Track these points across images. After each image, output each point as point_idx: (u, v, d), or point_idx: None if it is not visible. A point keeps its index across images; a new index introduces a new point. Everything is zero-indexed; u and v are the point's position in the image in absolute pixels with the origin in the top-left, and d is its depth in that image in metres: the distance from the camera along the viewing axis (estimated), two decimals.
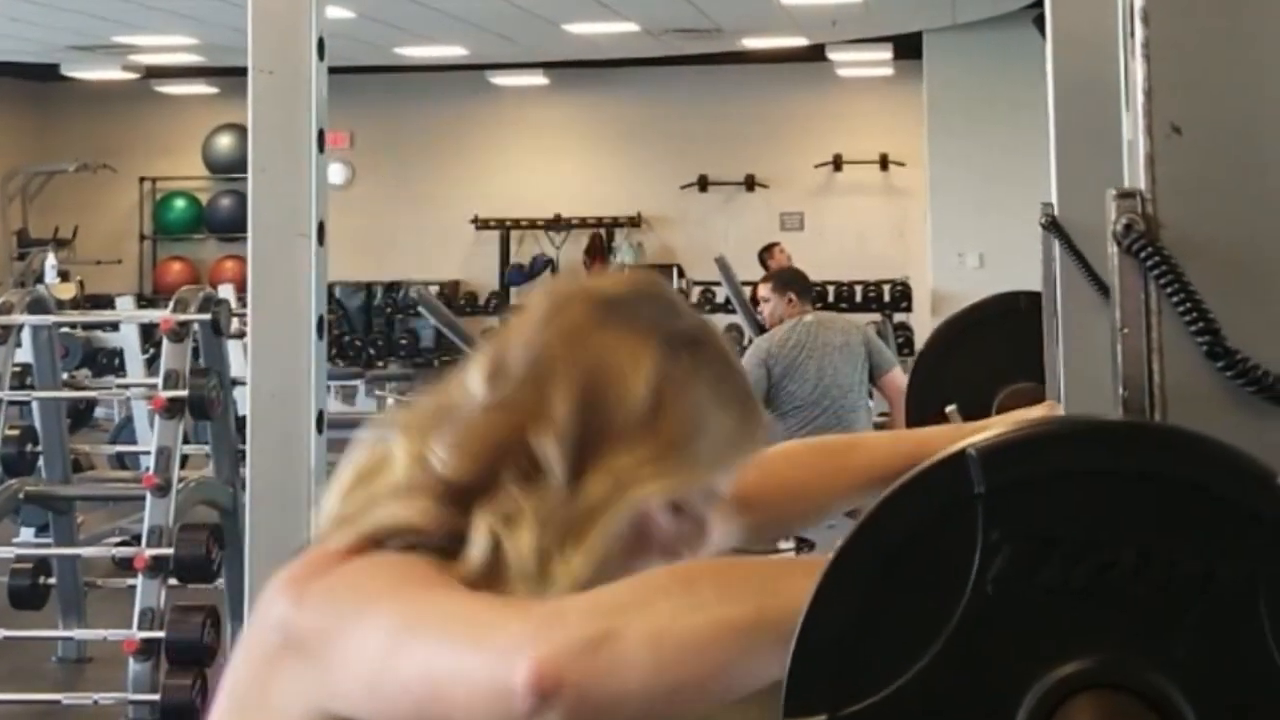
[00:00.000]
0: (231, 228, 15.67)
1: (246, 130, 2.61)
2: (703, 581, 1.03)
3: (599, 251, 15.66)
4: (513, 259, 15.89)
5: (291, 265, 2.55)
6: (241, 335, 6.53)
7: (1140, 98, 0.92)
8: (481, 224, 15.92)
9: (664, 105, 15.31)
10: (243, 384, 5.74)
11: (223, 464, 6.08)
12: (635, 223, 15.75)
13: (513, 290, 15.60)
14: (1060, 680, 0.74)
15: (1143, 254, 0.89)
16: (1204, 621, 0.74)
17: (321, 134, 2.55)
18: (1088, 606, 0.76)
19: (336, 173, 16.15)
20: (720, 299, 12.52)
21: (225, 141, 15.83)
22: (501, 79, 15.43)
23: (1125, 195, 0.92)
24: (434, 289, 14.54)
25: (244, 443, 6.31)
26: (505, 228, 15.91)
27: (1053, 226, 1.90)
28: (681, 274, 14.57)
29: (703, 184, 15.42)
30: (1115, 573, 0.75)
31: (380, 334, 14.17)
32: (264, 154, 2.58)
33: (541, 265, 15.67)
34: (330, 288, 15.59)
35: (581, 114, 15.91)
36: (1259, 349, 0.88)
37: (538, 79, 15.49)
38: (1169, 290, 0.88)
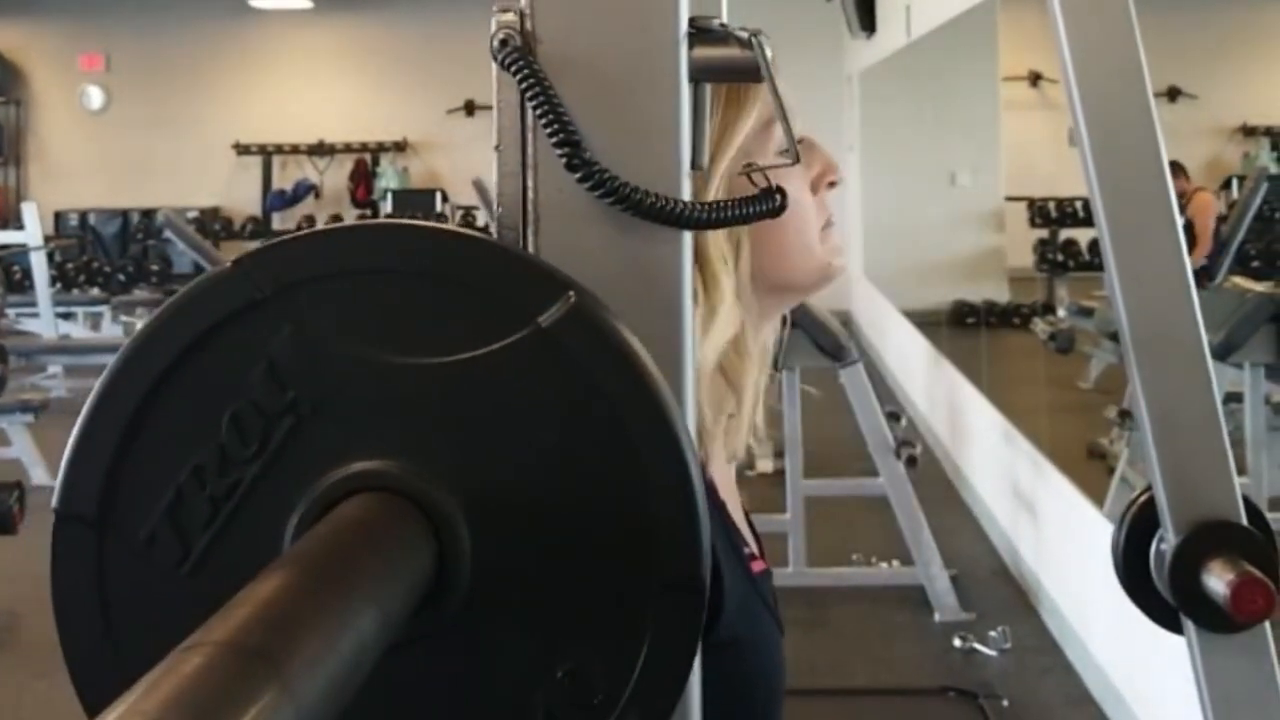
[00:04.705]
0: None
1: None
2: None
3: (363, 176, 15.44)
4: (275, 184, 15.57)
5: None
6: None
7: None
8: (243, 149, 15.57)
9: (430, 29, 15.10)
10: None
11: None
12: (401, 147, 15.56)
13: (274, 216, 15.31)
14: (335, 483, 0.72)
15: (513, 68, 0.89)
16: (468, 418, 0.74)
17: None
18: (352, 414, 0.74)
19: (92, 96, 15.62)
20: (481, 222, 12.45)
21: None
22: (263, 1, 15.04)
23: (505, 10, 0.91)
24: (192, 215, 14.17)
25: None
26: (267, 153, 15.59)
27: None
28: (445, 198, 14.45)
29: (469, 108, 15.25)
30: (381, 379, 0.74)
31: (133, 261, 13.78)
32: None
33: (305, 190, 15.39)
34: (84, 214, 15.15)
35: (346, 38, 15.62)
36: (626, 164, 0.88)
37: (302, 2, 15.14)
38: (533, 103, 0.88)
